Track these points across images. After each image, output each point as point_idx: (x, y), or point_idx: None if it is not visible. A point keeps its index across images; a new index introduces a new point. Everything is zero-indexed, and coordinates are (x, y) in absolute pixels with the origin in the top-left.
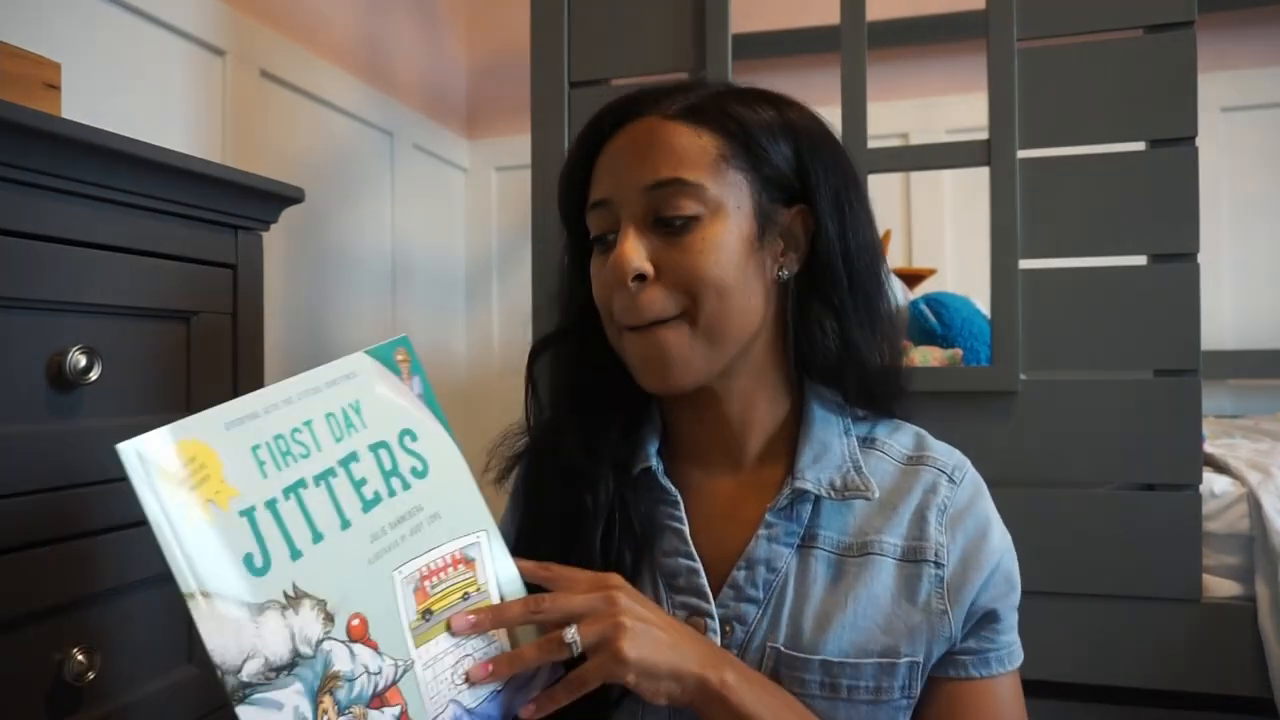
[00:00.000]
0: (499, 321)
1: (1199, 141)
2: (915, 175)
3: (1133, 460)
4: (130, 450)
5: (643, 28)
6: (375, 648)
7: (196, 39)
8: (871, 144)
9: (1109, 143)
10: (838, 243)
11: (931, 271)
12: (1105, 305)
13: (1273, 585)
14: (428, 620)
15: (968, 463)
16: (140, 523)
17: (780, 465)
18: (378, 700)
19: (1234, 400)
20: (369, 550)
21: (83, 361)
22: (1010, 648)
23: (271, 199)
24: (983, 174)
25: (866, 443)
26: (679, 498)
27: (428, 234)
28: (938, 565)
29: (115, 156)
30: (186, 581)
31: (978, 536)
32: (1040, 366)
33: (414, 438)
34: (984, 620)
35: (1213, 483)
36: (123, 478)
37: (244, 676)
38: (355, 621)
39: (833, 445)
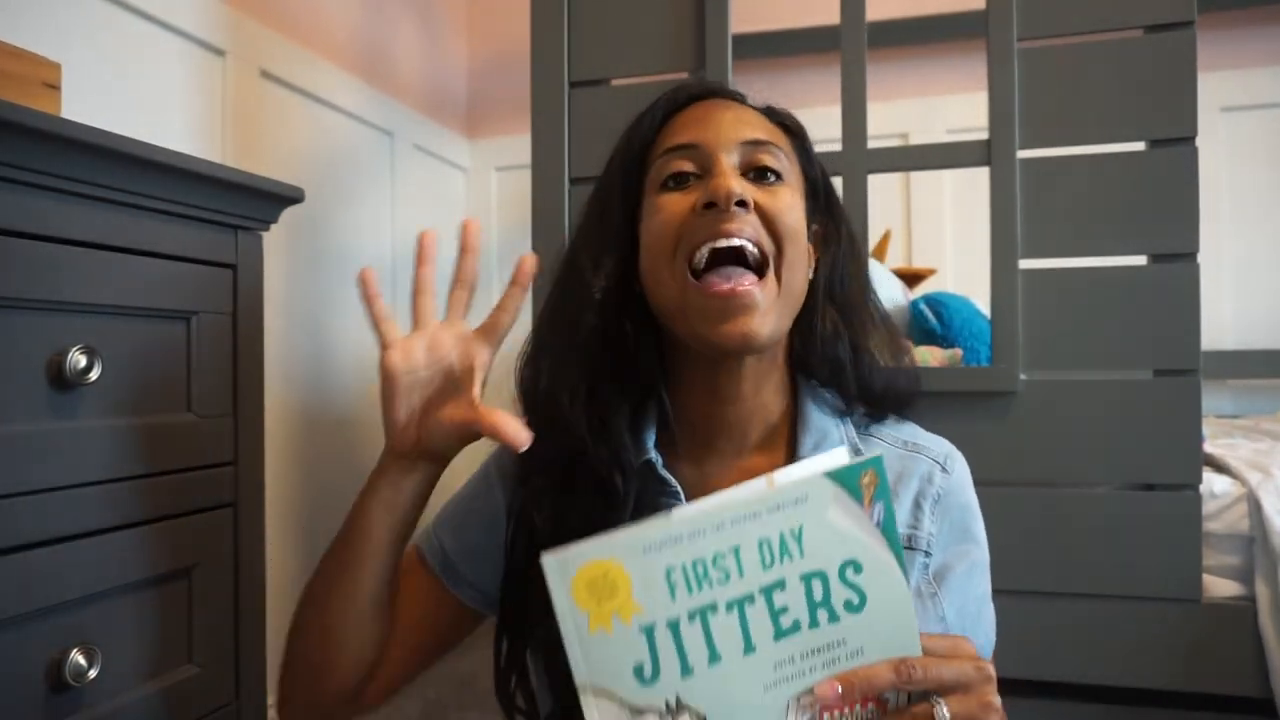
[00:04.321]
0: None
1: (1199, 141)
2: (915, 175)
3: (1133, 460)
4: (552, 561)
5: (643, 28)
6: None
7: (196, 39)
8: (871, 144)
9: (1109, 143)
10: (850, 261)
11: (931, 271)
12: (1105, 305)
13: (1273, 585)
14: None
15: (957, 452)
16: (140, 523)
17: (780, 453)
18: None
19: (1234, 400)
20: (769, 676)
21: (83, 361)
22: (990, 643)
23: (271, 199)
24: (983, 174)
25: (862, 429)
26: (679, 489)
27: None
28: (926, 554)
29: (115, 156)
30: (580, 675)
31: (962, 527)
32: (1040, 366)
33: (857, 569)
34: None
35: (1213, 483)
36: (122, 477)
37: None
38: None
39: (831, 432)
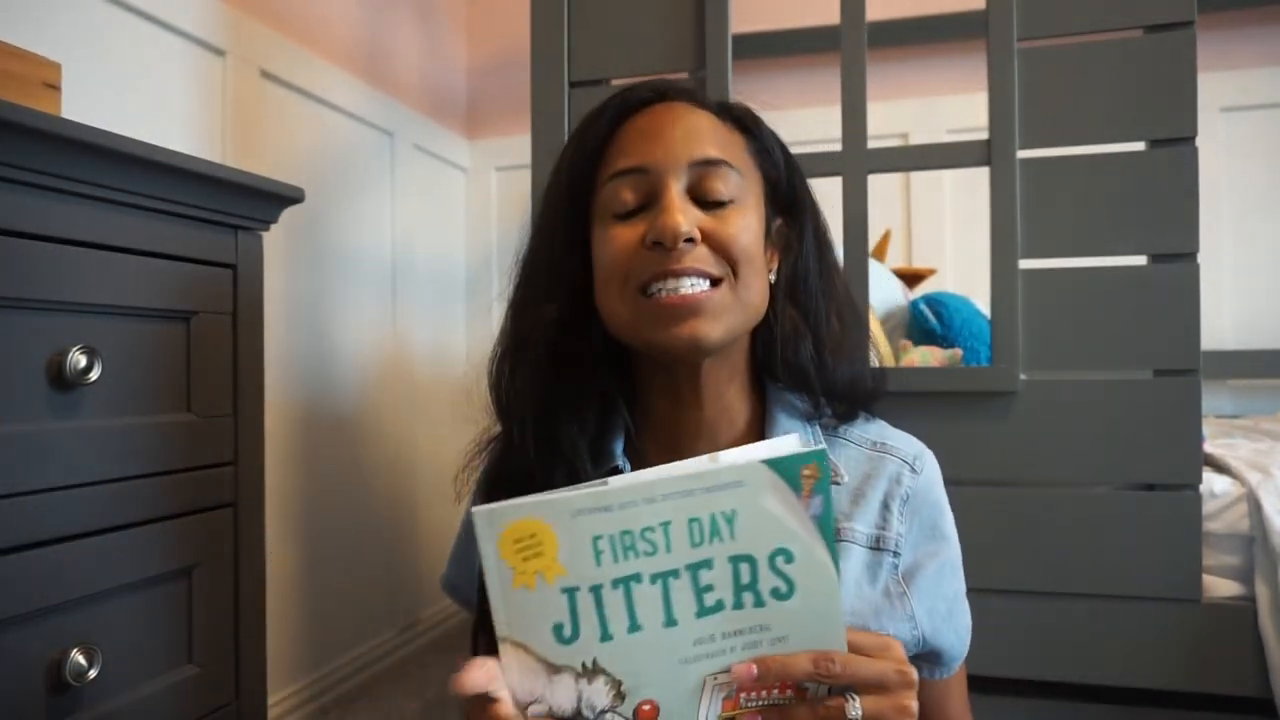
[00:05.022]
0: (499, 321)
1: (1199, 141)
2: (915, 175)
3: (1133, 460)
4: (483, 513)
5: (643, 28)
6: None
7: (196, 39)
8: (871, 144)
9: (1109, 143)
10: (814, 258)
11: (931, 271)
12: (1105, 305)
13: (1273, 585)
14: None
15: (927, 451)
16: (140, 523)
17: None
18: None
19: (1234, 400)
20: (688, 651)
21: (83, 361)
22: (963, 644)
23: (271, 199)
24: (983, 174)
25: (830, 431)
26: None
27: (428, 234)
28: (895, 554)
29: (115, 156)
30: (500, 626)
31: (930, 525)
32: (1040, 366)
33: (789, 559)
34: (941, 656)
35: (1213, 483)
36: (122, 477)
37: (529, 713)
38: (646, 706)
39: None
